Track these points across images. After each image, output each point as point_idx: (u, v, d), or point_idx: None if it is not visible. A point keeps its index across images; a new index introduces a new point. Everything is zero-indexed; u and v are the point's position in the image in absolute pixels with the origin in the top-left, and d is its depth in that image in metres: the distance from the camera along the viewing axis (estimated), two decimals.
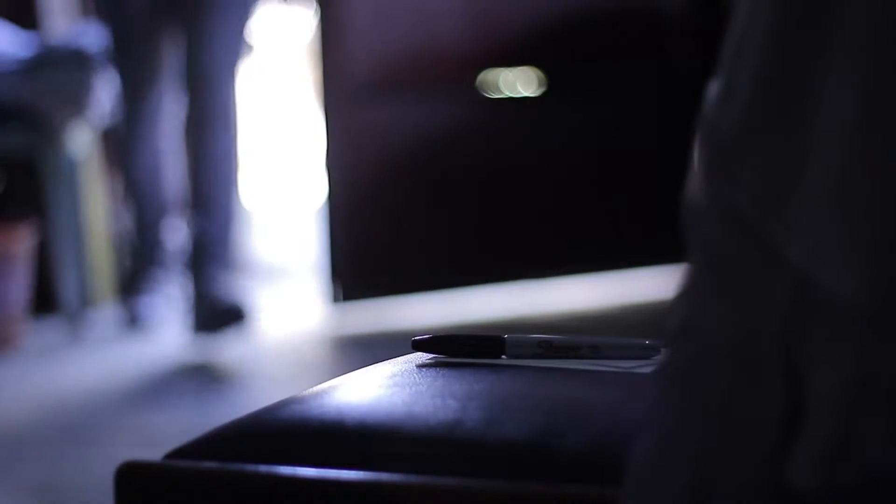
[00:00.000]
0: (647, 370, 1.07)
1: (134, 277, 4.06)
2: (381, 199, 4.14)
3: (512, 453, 0.92)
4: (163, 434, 2.95)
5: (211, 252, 3.73)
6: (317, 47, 4.13)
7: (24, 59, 3.94)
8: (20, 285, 3.85)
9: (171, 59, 3.84)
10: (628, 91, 4.38)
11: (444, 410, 0.97)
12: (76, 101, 3.92)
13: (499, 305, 4.22)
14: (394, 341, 3.44)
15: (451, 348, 1.10)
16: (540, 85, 4.25)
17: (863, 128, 0.58)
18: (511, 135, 4.25)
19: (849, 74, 0.58)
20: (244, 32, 3.78)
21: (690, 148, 0.67)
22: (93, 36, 3.94)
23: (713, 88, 0.66)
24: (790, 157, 0.60)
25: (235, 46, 3.75)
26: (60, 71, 3.92)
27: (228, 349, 3.61)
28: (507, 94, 4.21)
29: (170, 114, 3.88)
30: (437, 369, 1.08)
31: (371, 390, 1.03)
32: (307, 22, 4.80)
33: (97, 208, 4.24)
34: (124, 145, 3.93)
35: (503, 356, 1.09)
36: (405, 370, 1.08)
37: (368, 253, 4.15)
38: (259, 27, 3.71)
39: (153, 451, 1.04)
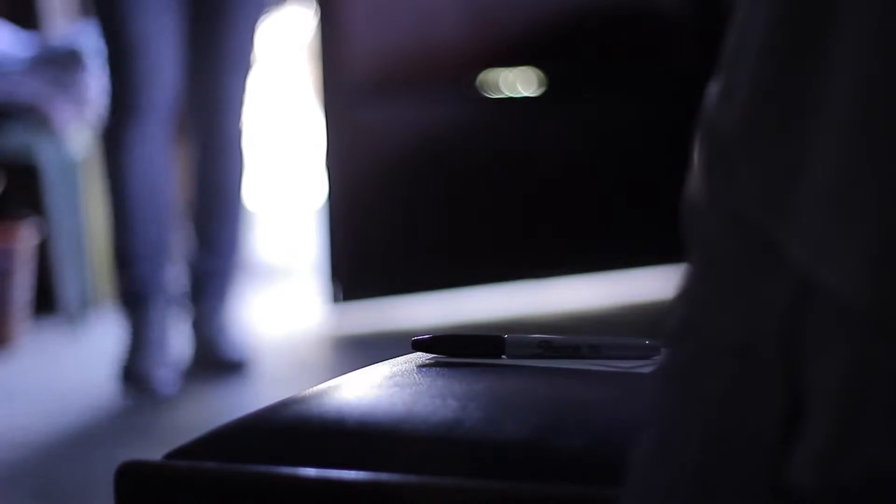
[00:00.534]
0: (647, 370, 1.07)
1: (136, 334, 3.36)
2: (381, 199, 4.14)
3: (512, 453, 0.92)
4: (163, 434, 2.95)
5: (214, 290, 3.45)
6: (317, 47, 4.13)
7: (24, 59, 3.94)
8: (20, 285, 3.85)
9: (174, 68, 3.38)
10: (628, 91, 4.38)
11: (444, 410, 0.97)
12: (76, 101, 3.92)
13: (499, 305, 4.22)
14: (394, 341, 3.44)
15: (451, 348, 1.10)
16: (540, 85, 4.25)
17: (863, 128, 0.58)
18: (511, 135, 4.25)
19: (848, 74, 0.58)
20: (254, 42, 3.46)
21: (690, 148, 0.67)
22: (93, 36, 3.94)
23: (713, 89, 0.66)
24: (790, 157, 0.60)
25: (247, 57, 3.43)
26: (60, 71, 3.92)
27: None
28: (507, 94, 4.21)
29: (168, 125, 3.40)
30: (437, 369, 1.08)
31: (371, 390, 1.03)
32: (307, 22, 4.81)
33: (97, 208, 4.24)
34: (112, 159, 3.38)
35: (503, 356, 1.09)
36: (405, 370, 1.08)
37: (368, 253, 4.15)
38: (260, 28, 3.48)
39: (153, 451, 1.04)
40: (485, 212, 4.24)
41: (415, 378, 1.06)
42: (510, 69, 4.22)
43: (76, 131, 3.97)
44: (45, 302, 4.10)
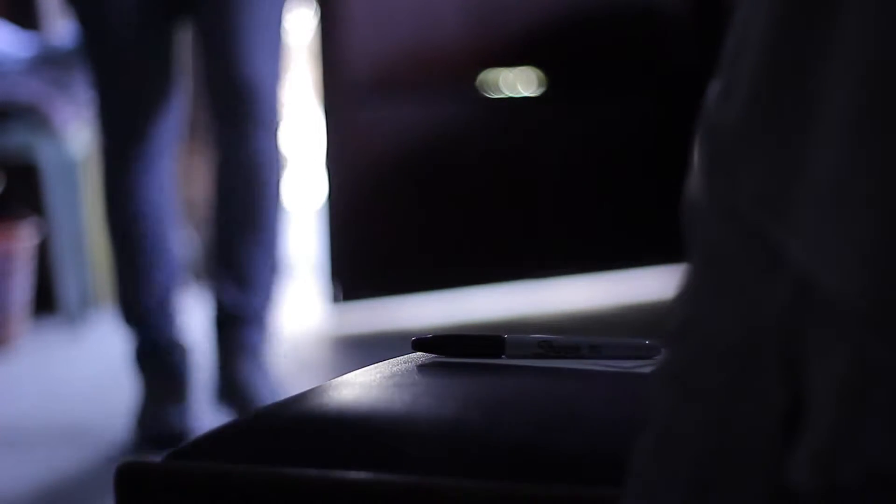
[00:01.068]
0: (647, 370, 1.07)
1: (152, 389, 2.94)
2: (381, 199, 4.14)
3: (512, 453, 0.92)
4: None
5: (242, 331, 2.89)
6: (317, 47, 4.13)
7: (24, 59, 3.94)
8: (20, 285, 3.85)
9: (180, 68, 2.94)
10: (628, 91, 4.38)
11: (444, 410, 0.97)
12: (76, 101, 3.92)
13: (499, 305, 4.22)
14: (394, 341, 3.44)
15: (451, 348, 1.10)
16: (540, 85, 4.25)
17: (862, 128, 0.58)
18: (511, 135, 4.25)
19: (848, 74, 0.58)
20: (283, 28, 2.96)
21: (690, 148, 0.67)
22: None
23: (713, 89, 0.66)
24: (790, 157, 0.60)
25: (278, 47, 2.92)
26: (60, 71, 3.92)
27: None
28: (507, 94, 4.21)
29: (174, 142, 2.94)
30: (437, 369, 1.08)
31: (371, 390, 1.03)
32: (307, 22, 4.81)
33: (97, 208, 4.24)
34: (110, 185, 2.92)
35: (503, 356, 1.09)
36: (405, 370, 1.08)
37: (368, 253, 4.15)
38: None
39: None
40: (485, 212, 4.24)
41: (415, 378, 1.06)
42: (510, 69, 4.21)
43: (76, 131, 3.97)
44: (45, 302, 4.10)
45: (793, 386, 0.60)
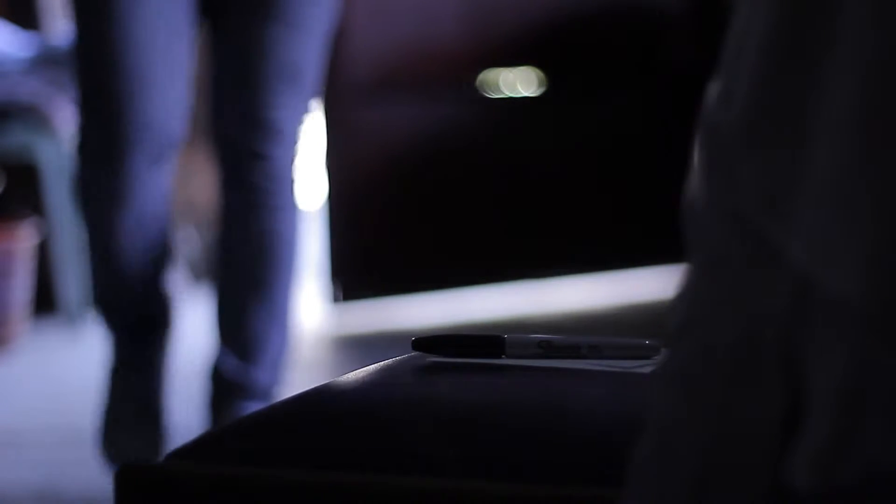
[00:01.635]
0: (647, 370, 1.07)
1: (118, 401, 2.53)
2: (381, 199, 4.14)
3: (512, 453, 0.92)
4: None
5: (242, 404, 2.45)
6: None
7: (24, 59, 3.94)
8: (20, 285, 3.85)
9: (184, 84, 2.41)
10: (628, 91, 4.38)
11: (445, 411, 0.97)
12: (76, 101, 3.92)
13: (499, 305, 4.22)
14: (394, 341, 3.44)
15: (451, 348, 1.10)
16: (540, 85, 4.25)
17: (862, 128, 0.58)
18: (511, 135, 4.25)
19: (848, 75, 0.58)
20: (321, 52, 2.52)
21: (690, 148, 0.67)
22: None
23: (713, 89, 0.66)
24: (790, 158, 0.60)
25: (312, 70, 2.46)
26: (60, 71, 3.92)
27: None
28: (507, 94, 4.21)
29: (170, 165, 2.44)
30: (437, 369, 1.08)
31: (371, 390, 1.03)
32: None
33: None
34: (93, 213, 2.44)
35: (503, 356, 1.09)
36: (405, 370, 1.08)
37: (368, 253, 4.15)
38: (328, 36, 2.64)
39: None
40: (485, 212, 4.24)
41: (415, 378, 1.06)
42: (510, 69, 4.21)
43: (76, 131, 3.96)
44: (45, 302, 4.10)
45: (793, 386, 0.60)
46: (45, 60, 3.94)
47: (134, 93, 2.34)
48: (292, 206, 2.45)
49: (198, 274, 4.27)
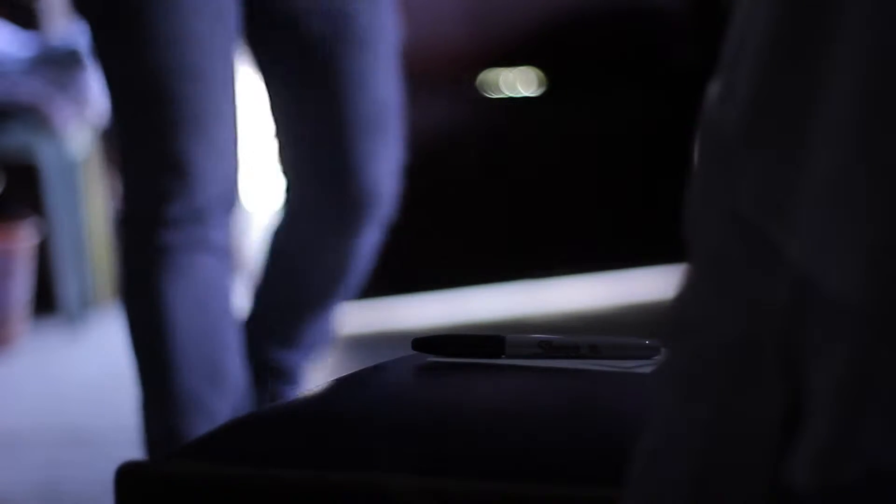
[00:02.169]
0: (647, 370, 1.07)
1: None
2: None
3: (512, 453, 0.92)
4: None
5: (277, 384, 2.17)
6: None
7: (24, 59, 3.94)
8: (20, 285, 3.85)
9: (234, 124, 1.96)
10: (628, 91, 4.38)
11: (444, 411, 0.97)
12: (76, 101, 3.92)
13: (499, 305, 4.22)
14: (394, 341, 3.44)
15: (451, 348, 1.10)
16: (540, 85, 4.25)
17: (862, 128, 0.57)
18: (511, 135, 4.25)
19: (849, 75, 0.58)
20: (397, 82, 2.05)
21: (691, 148, 0.67)
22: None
23: (713, 88, 0.66)
24: (790, 158, 0.60)
25: (396, 106, 2.05)
26: (60, 71, 3.92)
27: None
28: (507, 94, 4.21)
29: (228, 221, 2.00)
30: (437, 369, 1.08)
31: (371, 390, 1.03)
32: None
33: (97, 208, 4.24)
34: (136, 269, 1.96)
35: (503, 356, 1.09)
36: (405, 370, 1.08)
37: None
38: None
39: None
40: (484, 212, 4.24)
41: (415, 378, 1.06)
42: (510, 69, 4.21)
43: (76, 131, 3.97)
44: (45, 302, 4.10)
45: (793, 386, 0.60)
46: (45, 60, 3.94)
47: (181, 130, 1.89)
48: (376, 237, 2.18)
49: None
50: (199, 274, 1.94)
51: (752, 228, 0.61)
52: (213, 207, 1.92)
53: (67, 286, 4.02)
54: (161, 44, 1.85)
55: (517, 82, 4.23)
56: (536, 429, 0.94)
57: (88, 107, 3.96)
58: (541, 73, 4.25)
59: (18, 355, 3.74)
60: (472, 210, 4.23)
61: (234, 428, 1.00)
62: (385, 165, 2.03)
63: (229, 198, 1.96)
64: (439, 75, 4.14)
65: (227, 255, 1.98)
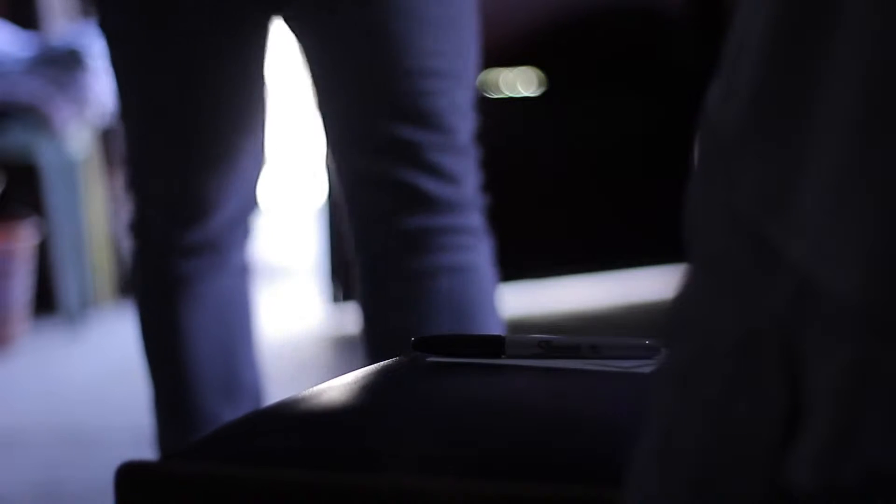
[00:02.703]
0: (647, 370, 1.07)
1: None
2: None
3: (512, 453, 0.92)
4: None
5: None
6: None
7: (24, 59, 3.94)
8: (20, 285, 3.85)
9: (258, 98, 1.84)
10: (628, 91, 4.38)
11: (444, 411, 0.97)
12: (76, 101, 3.92)
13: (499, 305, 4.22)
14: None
15: (451, 348, 1.10)
16: (540, 85, 4.25)
17: (862, 128, 0.57)
18: (511, 135, 4.25)
19: (848, 75, 0.58)
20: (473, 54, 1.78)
21: (691, 148, 0.67)
22: (93, 36, 3.94)
23: (714, 88, 0.66)
24: (790, 158, 0.60)
25: (470, 76, 1.79)
26: (60, 71, 3.92)
27: None
28: (507, 94, 4.21)
29: (246, 231, 1.91)
30: (437, 369, 1.08)
31: (371, 390, 1.03)
32: None
33: (97, 208, 4.24)
34: (149, 290, 1.87)
35: (503, 356, 1.09)
36: (405, 370, 1.08)
37: None
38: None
39: (153, 452, 1.04)
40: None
41: (414, 378, 1.05)
42: (510, 69, 4.21)
43: (76, 131, 3.97)
44: (45, 302, 4.10)
45: (793, 386, 0.60)
46: (45, 60, 3.94)
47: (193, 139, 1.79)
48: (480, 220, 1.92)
49: None
50: (217, 299, 1.86)
51: (752, 228, 0.61)
52: (229, 231, 1.84)
53: (67, 286, 4.02)
54: (173, 68, 1.74)
55: (517, 82, 4.23)
56: (536, 429, 0.94)
57: (88, 107, 3.96)
58: (541, 73, 4.25)
59: (18, 355, 3.74)
60: None
61: (235, 428, 1.00)
62: (447, 100, 1.78)
63: (246, 218, 1.88)
64: None
65: (246, 273, 1.90)
